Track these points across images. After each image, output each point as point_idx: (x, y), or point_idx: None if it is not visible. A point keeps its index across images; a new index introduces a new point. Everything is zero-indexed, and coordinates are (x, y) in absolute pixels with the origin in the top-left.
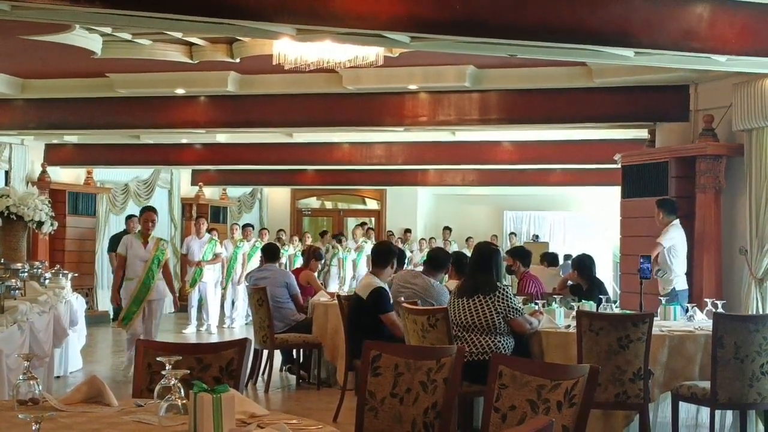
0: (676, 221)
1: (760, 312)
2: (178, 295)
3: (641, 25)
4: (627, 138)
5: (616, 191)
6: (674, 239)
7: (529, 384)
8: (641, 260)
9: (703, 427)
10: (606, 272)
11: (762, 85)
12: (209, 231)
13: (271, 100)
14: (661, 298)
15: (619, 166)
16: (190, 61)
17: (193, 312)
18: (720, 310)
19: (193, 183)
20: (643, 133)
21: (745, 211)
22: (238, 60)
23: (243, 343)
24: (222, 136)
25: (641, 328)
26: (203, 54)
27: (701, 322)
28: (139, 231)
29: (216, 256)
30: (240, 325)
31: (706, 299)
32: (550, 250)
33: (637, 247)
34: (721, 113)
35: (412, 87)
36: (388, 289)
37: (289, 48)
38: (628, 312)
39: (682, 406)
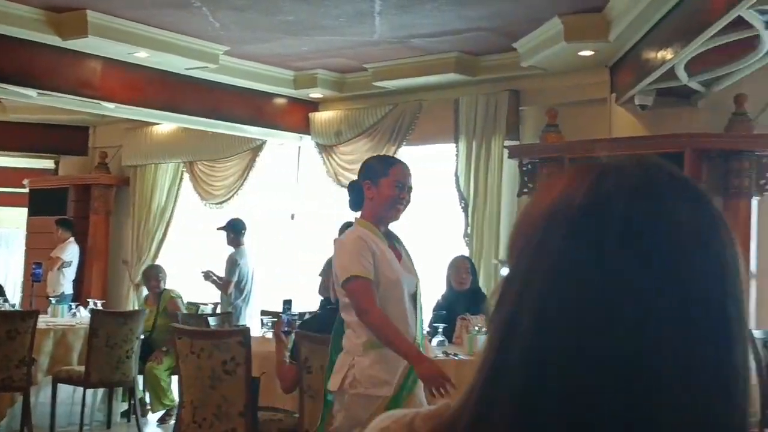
0: (72, 238)
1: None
2: None
3: (44, 70)
4: (37, 167)
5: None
6: (72, 254)
7: None
8: (34, 266)
9: (77, 405)
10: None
11: (145, 131)
12: None
13: None
14: (51, 298)
15: (27, 189)
16: None
17: None
18: (100, 307)
19: None
20: (50, 164)
21: (129, 231)
22: None
23: None
24: None
25: (28, 323)
26: None
27: (85, 317)
28: None
29: None
30: None
31: (89, 299)
32: None
33: (35, 257)
34: (114, 151)
35: None
36: None
37: None
38: (17, 309)
39: (62, 387)
